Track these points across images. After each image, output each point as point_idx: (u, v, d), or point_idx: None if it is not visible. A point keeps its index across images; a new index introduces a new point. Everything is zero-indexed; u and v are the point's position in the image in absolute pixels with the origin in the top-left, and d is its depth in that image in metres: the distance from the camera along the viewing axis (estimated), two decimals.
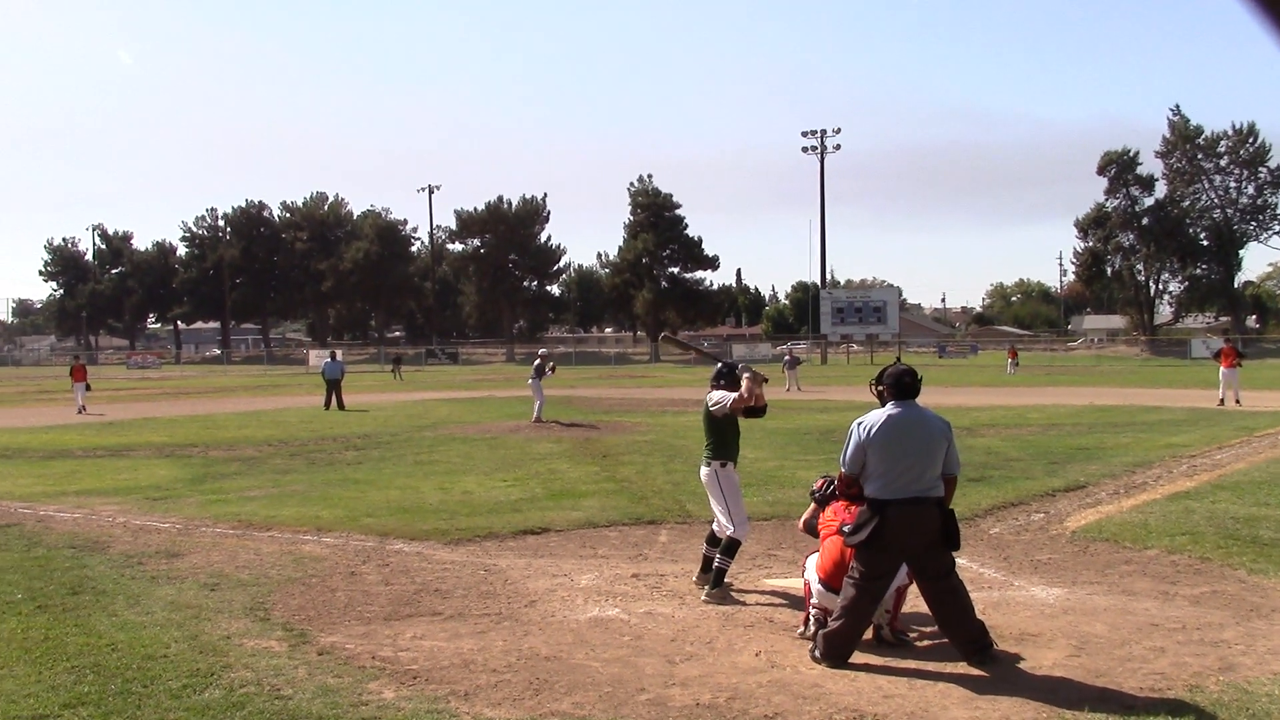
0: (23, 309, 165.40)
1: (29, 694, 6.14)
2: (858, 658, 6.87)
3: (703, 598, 8.46)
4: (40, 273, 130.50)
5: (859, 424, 6.98)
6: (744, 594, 8.74)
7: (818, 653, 6.75)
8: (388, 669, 6.67)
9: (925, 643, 7.26)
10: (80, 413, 32.73)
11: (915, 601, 7.37)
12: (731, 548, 8.53)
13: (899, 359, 7.83)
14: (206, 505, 13.62)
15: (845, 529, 6.95)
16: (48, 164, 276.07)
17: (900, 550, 6.81)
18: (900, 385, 7.00)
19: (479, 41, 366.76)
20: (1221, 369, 30.38)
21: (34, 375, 78.65)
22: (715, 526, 8.85)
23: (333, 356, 35.18)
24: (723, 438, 8.90)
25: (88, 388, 34.72)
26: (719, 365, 9.14)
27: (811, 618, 7.36)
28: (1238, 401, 29.30)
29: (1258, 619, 7.68)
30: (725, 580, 8.59)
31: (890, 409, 6.96)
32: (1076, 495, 13.63)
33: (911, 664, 6.76)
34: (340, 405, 32.31)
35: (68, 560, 10.10)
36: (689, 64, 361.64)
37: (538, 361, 27.78)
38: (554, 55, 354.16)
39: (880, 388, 7.16)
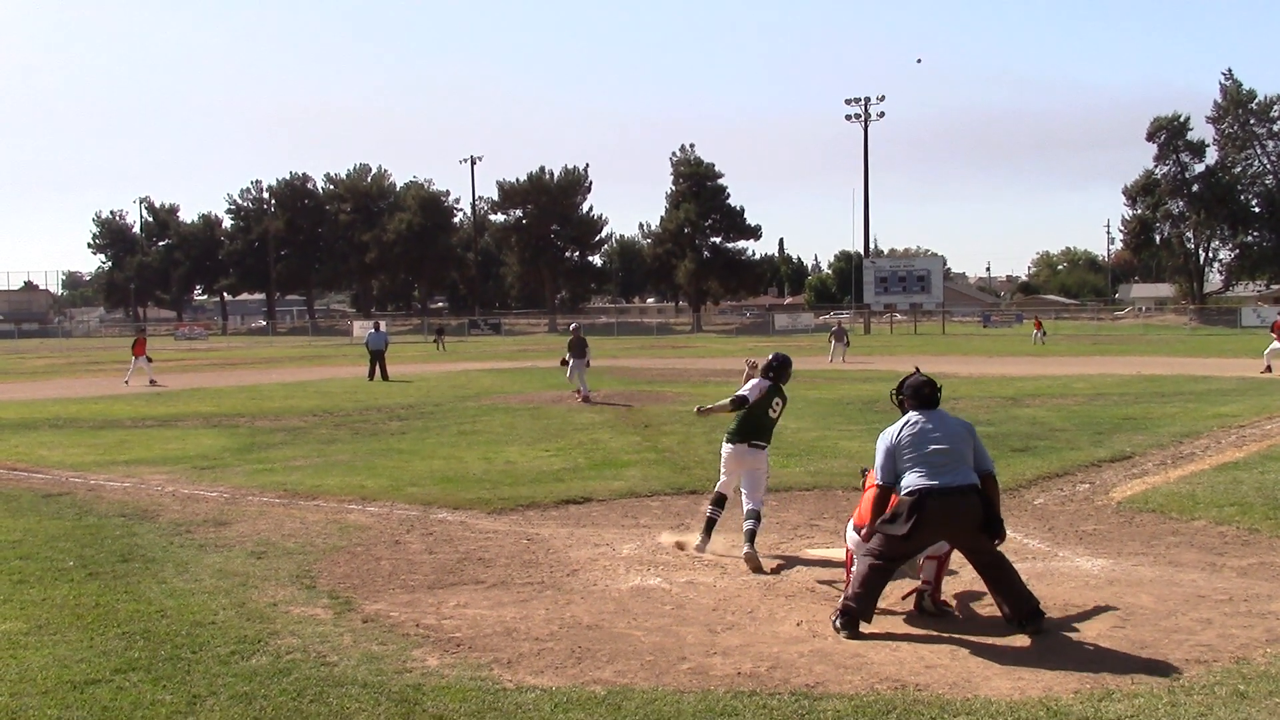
0: (72, 281, 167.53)
1: (81, 659, 6.25)
2: (900, 628, 6.86)
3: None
4: (89, 245, 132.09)
5: (884, 434, 7.11)
6: (786, 564, 8.75)
7: (838, 622, 6.78)
8: (431, 637, 6.73)
9: (973, 612, 7.23)
10: (151, 384, 32.31)
11: (964, 573, 7.33)
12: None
13: (917, 369, 7.89)
14: (253, 475, 13.78)
15: (883, 519, 6.93)
16: (96, 138, 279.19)
17: (935, 538, 6.88)
18: (920, 396, 7.16)
19: (522, 12, 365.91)
20: (1276, 341, 30.07)
21: (84, 346, 79.71)
22: (755, 503, 8.97)
23: (376, 327, 35.21)
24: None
25: (149, 359, 34.49)
26: (771, 356, 9.63)
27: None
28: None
29: None
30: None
31: (912, 415, 7.09)
32: (1123, 466, 13.50)
33: (954, 635, 6.74)
34: (384, 376, 32.44)
35: (118, 528, 10.26)
36: (732, 32, 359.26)
37: (571, 338, 25.55)
38: (597, 25, 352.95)
39: (900, 397, 7.30)
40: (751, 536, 8.77)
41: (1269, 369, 29.25)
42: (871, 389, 25.34)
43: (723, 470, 9.41)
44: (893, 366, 33.85)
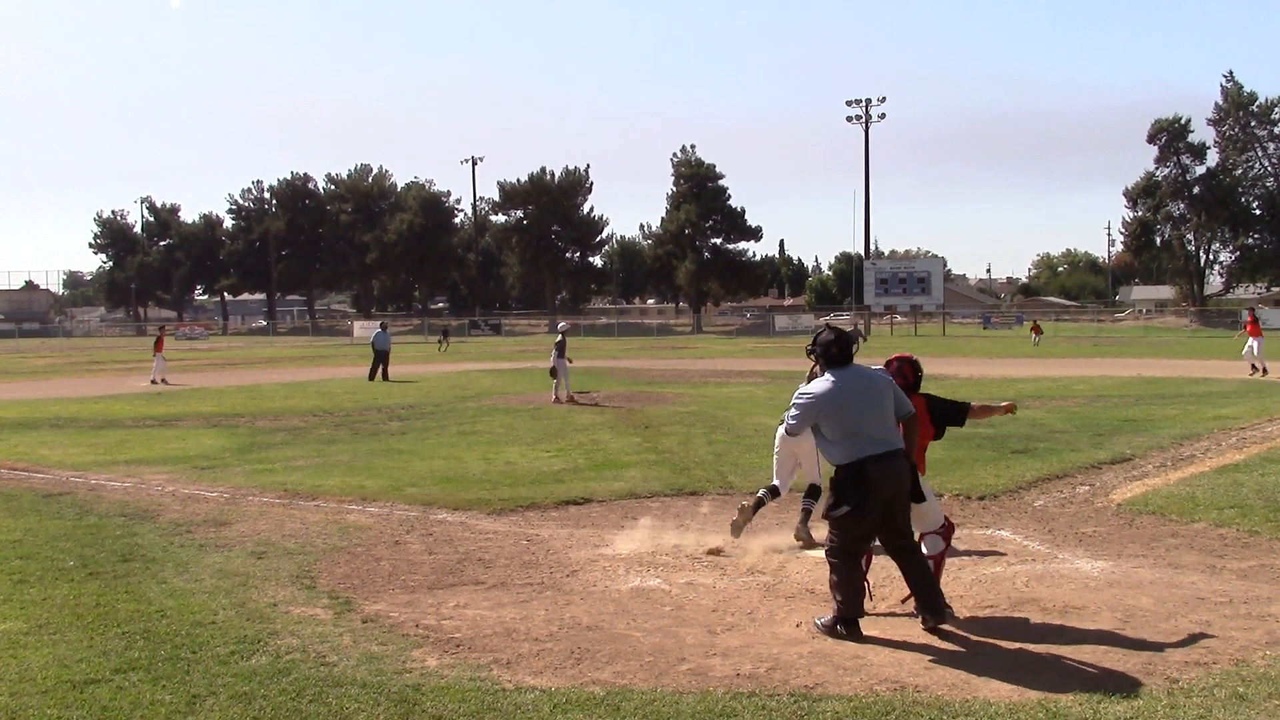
0: (73, 281, 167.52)
1: (81, 659, 6.25)
2: (899, 630, 6.86)
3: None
4: (90, 245, 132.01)
5: (803, 394, 6.99)
6: (785, 565, 8.76)
7: (840, 630, 6.70)
8: (431, 637, 6.74)
9: (972, 614, 7.24)
10: (161, 382, 32.41)
11: (962, 574, 7.32)
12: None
13: (826, 325, 7.86)
14: (253, 475, 13.79)
15: (827, 508, 6.90)
16: (97, 137, 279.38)
17: (881, 507, 6.74)
18: (829, 357, 6.97)
19: (524, 12, 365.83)
20: (1251, 340, 30.15)
21: (85, 346, 79.75)
22: (816, 476, 9.38)
23: (383, 327, 35.26)
24: None
25: (164, 359, 34.55)
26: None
27: None
28: (1256, 369, 29.49)
29: None
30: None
31: (830, 377, 6.91)
32: (1123, 467, 13.50)
33: (953, 636, 6.74)
34: (385, 376, 32.47)
35: (118, 528, 10.26)
36: (733, 33, 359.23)
37: (560, 338, 25.40)
38: (598, 26, 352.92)
39: (812, 353, 7.20)
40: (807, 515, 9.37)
41: (1258, 370, 29.30)
42: None
43: (779, 453, 9.70)
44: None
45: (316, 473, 13.85)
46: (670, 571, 8.54)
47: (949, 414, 7.83)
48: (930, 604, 6.81)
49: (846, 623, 6.71)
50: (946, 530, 7.61)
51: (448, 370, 38.91)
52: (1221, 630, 6.72)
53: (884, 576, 7.95)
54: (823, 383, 6.93)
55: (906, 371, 7.76)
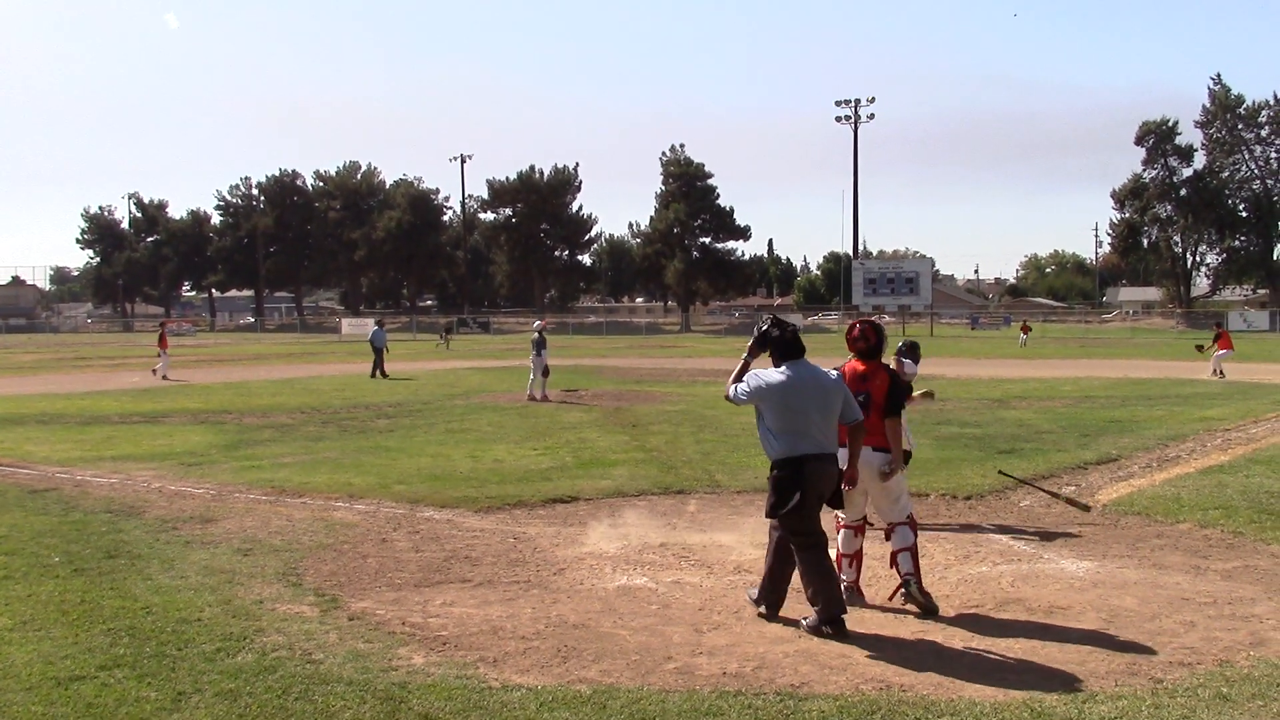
0: (60, 276, 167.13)
1: (66, 655, 6.24)
2: (886, 628, 6.88)
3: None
4: (77, 240, 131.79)
5: (758, 374, 7.09)
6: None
7: (826, 629, 6.73)
8: (417, 635, 6.73)
9: (959, 613, 7.26)
10: (163, 379, 32.54)
11: (949, 574, 7.34)
12: None
13: (772, 317, 8.08)
14: (240, 471, 13.75)
15: (771, 506, 6.99)
16: (85, 133, 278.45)
17: (815, 503, 6.95)
18: (781, 349, 7.08)
19: (513, 11, 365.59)
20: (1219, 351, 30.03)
21: (71, 342, 79.41)
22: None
23: (380, 325, 35.22)
24: None
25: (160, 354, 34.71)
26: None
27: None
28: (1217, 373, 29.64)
29: None
30: None
31: (786, 370, 7.02)
32: (1108, 468, 13.55)
33: (939, 636, 6.76)
34: (383, 373, 32.36)
35: (104, 524, 10.23)
36: (723, 33, 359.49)
37: (536, 336, 25.38)
38: (588, 23, 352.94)
39: (762, 336, 7.24)
40: None
41: (1218, 373, 29.50)
42: None
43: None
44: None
45: (304, 470, 13.82)
46: (657, 570, 8.55)
47: (893, 400, 7.80)
48: (830, 597, 6.81)
49: (831, 622, 6.73)
50: (914, 523, 7.62)
51: (437, 368, 38.86)
52: (1206, 631, 6.75)
53: (869, 576, 7.98)
54: (777, 374, 7.03)
55: (869, 334, 7.79)
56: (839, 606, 6.80)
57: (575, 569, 8.58)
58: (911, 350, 10.47)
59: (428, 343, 66.01)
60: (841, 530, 7.68)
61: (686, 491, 12.17)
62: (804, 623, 6.88)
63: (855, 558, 7.63)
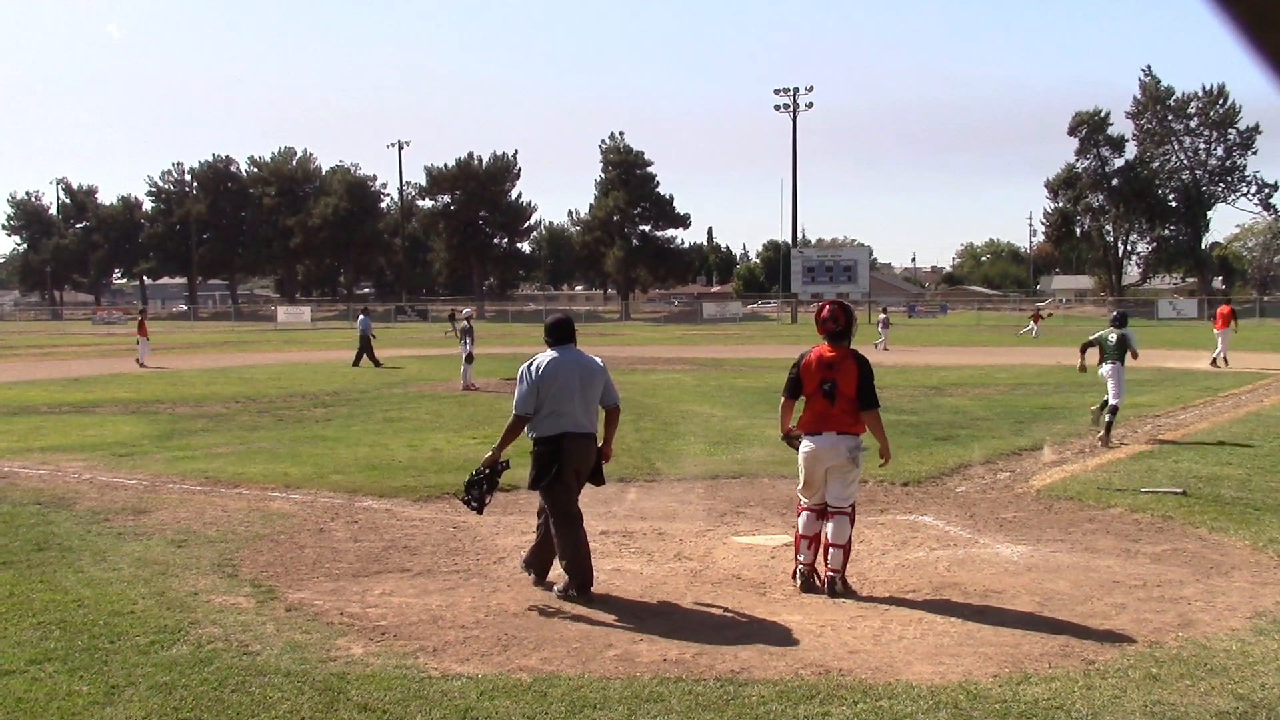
0: None
1: None
2: (825, 614, 6.93)
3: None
4: (3, 227, 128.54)
5: (528, 366, 7.54)
6: (711, 551, 8.80)
7: (571, 592, 7.25)
8: (356, 625, 6.68)
9: (899, 598, 7.33)
10: (141, 366, 33.05)
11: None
12: None
13: (564, 312, 8.76)
14: (173, 462, 13.55)
15: (533, 479, 7.50)
16: (10, 116, 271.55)
17: (575, 479, 7.48)
18: (556, 332, 7.71)
19: None
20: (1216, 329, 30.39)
21: None
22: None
23: (366, 312, 34.78)
24: None
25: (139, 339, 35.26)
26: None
27: (798, 572, 7.51)
28: (1218, 362, 29.54)
29: (1217, 576, 7.80)
30: None
31: (552, 353, 7.61)
32: (1042, 454, 13.76)
33: (877, 621, 6.83)
34: (373, 361, 31.87)
35: (33, 516, 10.04)
36: (661, 21, 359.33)
37: (465, 324, 25.86)
38: (526, 11, 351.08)
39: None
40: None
41: (1219, 362, 29.36)
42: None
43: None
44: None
45: (239, 460, 13.65)
46: (598, 558, 8.51)
47: (867, 392, 7.72)
48: (580, 567, 7.34)
49: (579, 588, 7.25)
50: (853, 514, 7.65)
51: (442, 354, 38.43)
52: (1136, 613, 6.88)
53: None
54: (546, 357, 7.58)
55: (838, 314, 7.74)
56: (587, 576, 7.32)
57: (515, 557, 8.54)
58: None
59: (420, 329, 65.21)
60: (803, 513, 7.69)
61: (626, 480, 12.17)
62: (554, 589, 7.37)
63: (814, 540, 7.62)
